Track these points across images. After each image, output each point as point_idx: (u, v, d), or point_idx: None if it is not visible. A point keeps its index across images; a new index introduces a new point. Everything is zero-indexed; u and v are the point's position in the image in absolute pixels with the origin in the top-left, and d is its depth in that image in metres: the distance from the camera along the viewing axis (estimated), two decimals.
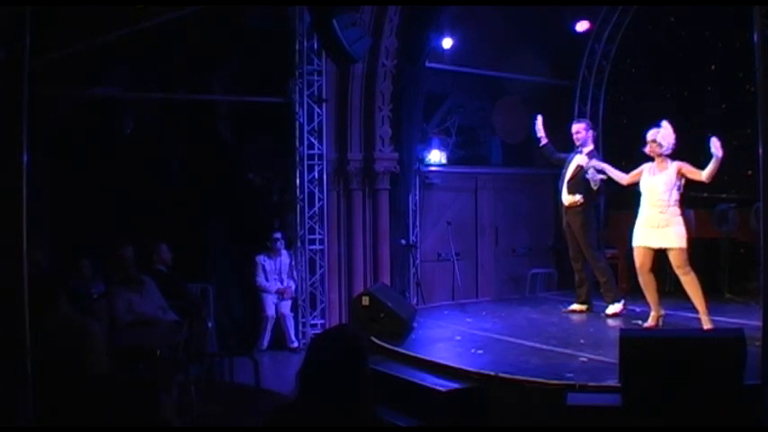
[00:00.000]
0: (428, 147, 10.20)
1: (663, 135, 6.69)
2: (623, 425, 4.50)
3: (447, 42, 9.53)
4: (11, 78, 3.41)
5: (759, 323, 4.45)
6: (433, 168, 10.15)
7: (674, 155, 6.66)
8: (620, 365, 4.67)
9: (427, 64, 9.41)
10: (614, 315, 7.63)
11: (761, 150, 4.26)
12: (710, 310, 7.84)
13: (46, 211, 8.18)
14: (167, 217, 9.18)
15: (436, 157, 10.27)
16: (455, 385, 5.51)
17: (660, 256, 6.78)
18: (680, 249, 6.62)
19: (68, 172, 8.40)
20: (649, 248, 6.75)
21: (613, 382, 4.85)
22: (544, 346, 6.40)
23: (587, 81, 11.01)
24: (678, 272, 6.67)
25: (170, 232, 8.32)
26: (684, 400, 4.34)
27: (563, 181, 7.82)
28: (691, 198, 9.09)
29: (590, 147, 7.76)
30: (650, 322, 6.91)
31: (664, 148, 6.68)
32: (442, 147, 10.38)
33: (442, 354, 6.33)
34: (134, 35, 7.76)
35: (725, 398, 4.32)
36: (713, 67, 9.75)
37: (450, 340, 6.97)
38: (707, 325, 6.49)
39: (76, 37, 7.22)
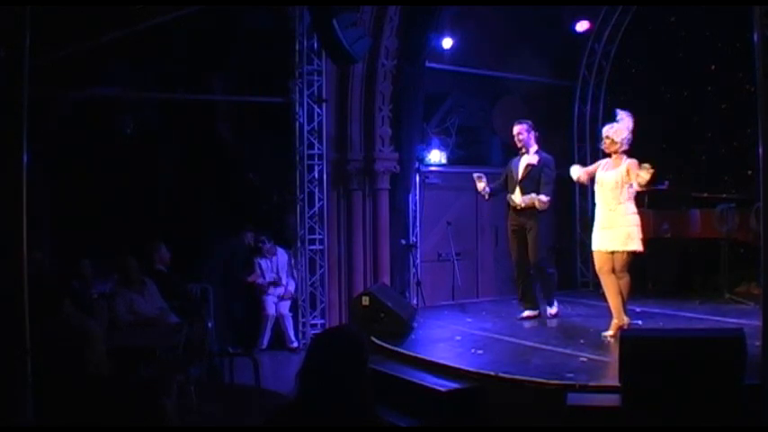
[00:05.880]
0: (428, 147, 10.19)
1: (615, 131, 6.52)
2: (623, 425, 4.50)
3: (447, 42, 9.52)
4: (11, 78, 3.41)
5: (759, 323, 4.44)
6: (433, 168, 10.14)
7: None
8: (620, 365, 4.67)
9: (427, 64, 9.39)
10: (557, 315, 7.82)
11: (761, 150, 4.26)
12: (710, 311, 7.85)
13: (46, 211, 8.18)
14: (167, 217, 9.19)
15: (436, 157, 10.26)
16: (455, 385, 5.52)
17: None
18: (625, 253, 6.46)
19: (68, 172, 8.40)
20: (603, 252, 6.62)
21: (613, 382, 4.85)
22: (544, 346, 6.40)
23: (587, 81, 11.00)
24: (616, 274, 6.56)
25: (169, 232, 8.32)
26: (684, 401, 4.34)
27: (514, 183, 7.73)
28: (691, 198, 9.17)
29: (534, 147, 7.72)
30: (611, 331, 6.60)
31: (618, 145, 6.51)
32: (442, 147, 10.37)
33: (442, 354, 6.33)
34: (134, 35, 7.76)
35: (725, 398, 4.32)
36: (713, 67, 9.75)
37: (450, 340, 6.97)
38: (621, 323, 6.53)
39: (76, 37, 7.22)
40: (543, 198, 7.46)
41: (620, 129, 6.55)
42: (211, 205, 9.39)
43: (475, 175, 7.81)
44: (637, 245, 6.48)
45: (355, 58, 7.67)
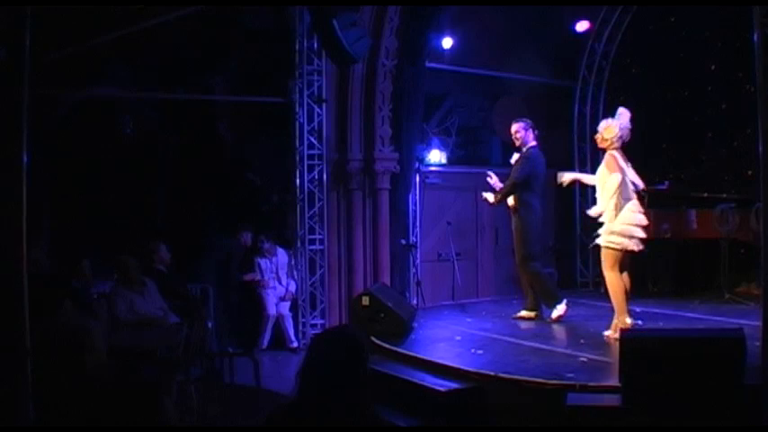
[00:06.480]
0: (428, 147, 10.20)
1: (606, 127, 6.52)
2: (623, 425, 4.50)
3: (447, 42, 9.52)
4: (11, 78, 3.41)
5: (759, 323, 4.45)
6: (433, 168, 10.14)
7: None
8: (620, 365, 4.67)
9: (427, 64, 9.39)
10: (559, 318, 7.54)
11: (761, 150, 4.26)
12: (710, 311, 7.83)
13: (46, 211, 8.18)
14: (167, 217, 9.19)
15: (436, 157, 10.26)
16: (455, 385, 5.52)
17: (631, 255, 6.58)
18: (605, 249, 6.42)
19: (68, 172, 8.40)
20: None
21: (613, 382, 4.85)
22: (544, 346, 6.41)
23: (587, 81, 11.01)
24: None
25: (169, 232, 8.32)
26: (684, 401, 4.35)
27: None
28: (691, 198, 9.17)
29: (531, 144, 7.73)
30: (610, 331, 6.54)
31: (608, 142, 6.47)
32: (442, 147, 10.37)
33: (442, 354, 6.33)
34: (134, 35, 7.77)
35: (725, 398, 4.32)
36: (713, 67, 9.75)
37: (450, 340, 6.98)
38: (621, 325, 6.33)
39: (76, 37, 7.23)
40: (485, 194, 7.79)
41: (611, 125, 6.54)
42: (211, 205, 9.39)
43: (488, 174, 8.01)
44: (607, 241, 6.42)
45: (355, 58, 7.67)
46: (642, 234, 6.48)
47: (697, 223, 8.99)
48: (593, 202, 6.80)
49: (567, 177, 7.27)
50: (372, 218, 9.50)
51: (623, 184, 6.38)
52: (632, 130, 6.60)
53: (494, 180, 7.89)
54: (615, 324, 6.57)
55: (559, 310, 7.58)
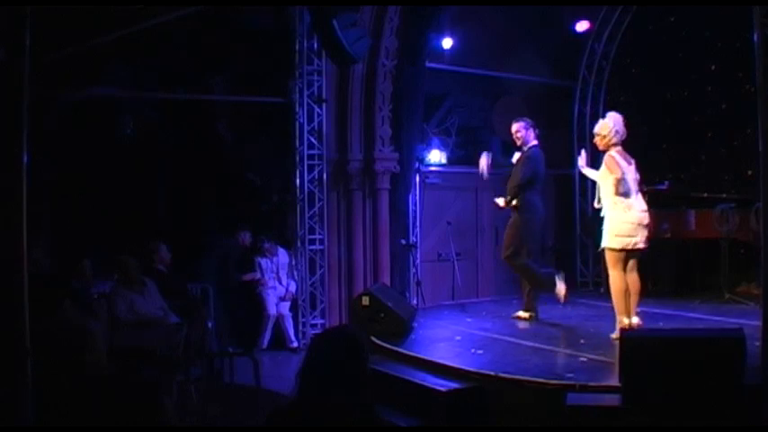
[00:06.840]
0: (428, 147, 10.20)
1: (601, 125, 6.53)
2: (623, 425, 4.50)
3: (447, 42, 9.52)
4: (11, 78, 3.42)
5: (759, 323, 4.45)
6: (433, 168, 10.14)
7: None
8: (620, 365, 4.67)
9: (427, 64, 9.39)
10: (565, 295, 7.57)
11: (761, 150, 4.27)
12: (710, 311, 7.82)
13: (46, 211, 8.19)
14: (167, 217, 9.19)
15: (436, 157, 10.26)
16: (455, 385, 5.52)
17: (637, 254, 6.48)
18: (606, 249, 6.39)
19: (68, 172, 8.40)
20: None
21: (613, 382, 4.85)
22: (544, 346, 6.40)
23: (587, 81, 11.00)
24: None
25: (169, 232, 8.32)
26: (684, 400, 4.35)
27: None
28: (691, 198, 9.17)
29: (532, 143, 7.71)
30: (614, 334, 6.32)
31: (607, 139, 6.46)
32: (442, 147, 10.37)
33: (442, 354, 6.33)
34: (134, 35, 7.77)
35: (725, 398, 4.32)
36: (713, 67, 9.75)
37: (450, 340, 6.98)
38: (619, 325, 6.26)
39: (76, 37, 7.23)
40: (497, 200, 7.81)
41: (605, 123, 6.54)
42: (211, 205, 9.39)
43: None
44: (606, 241, 6.39)
45: (355, 58, 7.66)
46: (645, 232, 6.37)
47: (697, 223, 8.99)
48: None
49: (585, 170, 7.13)
50: (372, 218, 9.51)
51: (622, 183, 6.36)
52: (627, 127, 6.58)
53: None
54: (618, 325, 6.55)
55: (560, 289, 7.58)
